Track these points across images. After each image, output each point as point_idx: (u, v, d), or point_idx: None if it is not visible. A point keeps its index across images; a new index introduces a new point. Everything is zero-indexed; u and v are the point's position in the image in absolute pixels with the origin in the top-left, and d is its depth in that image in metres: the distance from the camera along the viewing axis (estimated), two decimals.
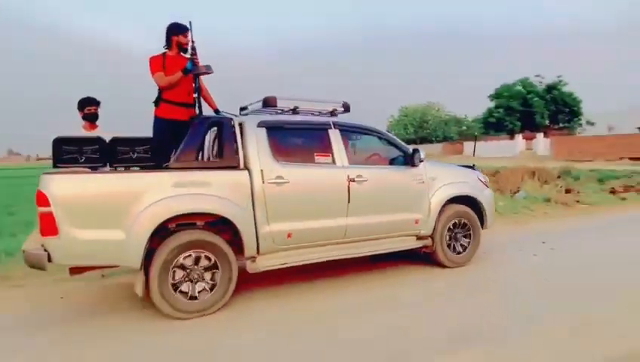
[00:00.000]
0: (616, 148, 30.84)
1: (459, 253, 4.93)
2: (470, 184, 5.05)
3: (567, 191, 10.67)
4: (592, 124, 35.15)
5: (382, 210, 4.49)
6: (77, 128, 4.54)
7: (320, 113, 4.64)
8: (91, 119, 4.59)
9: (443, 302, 3.93)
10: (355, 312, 3.76)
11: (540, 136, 37.25)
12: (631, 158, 28.71)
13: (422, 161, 4.65)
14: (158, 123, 4.26)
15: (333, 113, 4.64)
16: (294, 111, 4.44)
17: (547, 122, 34.99)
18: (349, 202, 4.27)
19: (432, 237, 4.76)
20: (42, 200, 3.29)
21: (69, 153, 3.49)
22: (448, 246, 4.85)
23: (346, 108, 4.70)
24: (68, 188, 3.37)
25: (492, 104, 38.15)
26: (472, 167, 5.37)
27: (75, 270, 3.73)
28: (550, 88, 34.93)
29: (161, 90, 4.23)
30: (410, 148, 4.75)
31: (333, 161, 4.32)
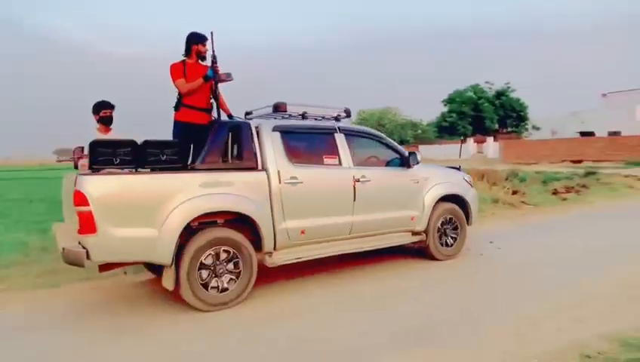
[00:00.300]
0: (559, 151, 33.07)
1: (448, 246, 5.43)
2: (458, 184, 5.57)
3: (514, 192, 10.96)
4: (537, 128, 37.57)
5: (383, 207, 4.90)
6: (92, 130, 4.67)
7: (323, 118, 5.00)
8: (106, 122, 4.72)
9: (396, 302, 4.07)
10: (330, 310, 3.92)
11: (490, 139, 39.26)
12: (572, 161, 30.86)
13: (418, 163, 5.11)
14: (179, 126, 4.48)
15: (337, 118, 5.01)
16: (303, 116, 4.78)
17: (496, 126, 37.05)
18: (354, 200, 4.64)
19: (425, 232, 5.22)
20: (81, 199, 3.43)
21: (104, 155, 3.64)
22: (439, 240, 5.34)
23: (348, 114, 5.09)
24: (105, 188, 3.53)
25: (445, 109, 39.91)
26: (459, 169, 5.89)
27: (104, 267, 3.90)
28: (499, 94, 37.01)
29: (181, 96, 4.44)
30: (407, 151, 5.20)
31: (340, 163, 4.68)
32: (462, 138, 37.85)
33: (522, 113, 36.68)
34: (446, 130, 40.14)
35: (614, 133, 36.02)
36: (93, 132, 4.68)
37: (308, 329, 3.49)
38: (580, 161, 30.23)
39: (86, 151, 4.46)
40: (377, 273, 4.98)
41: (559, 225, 7.91)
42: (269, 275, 4.61)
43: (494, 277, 4.77)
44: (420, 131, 51.01)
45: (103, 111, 4.68)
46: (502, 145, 36.81)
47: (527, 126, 37.71)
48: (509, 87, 36.69)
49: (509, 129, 38.17)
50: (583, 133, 37.64)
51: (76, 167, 4.77)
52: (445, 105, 37.99)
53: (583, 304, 3.87)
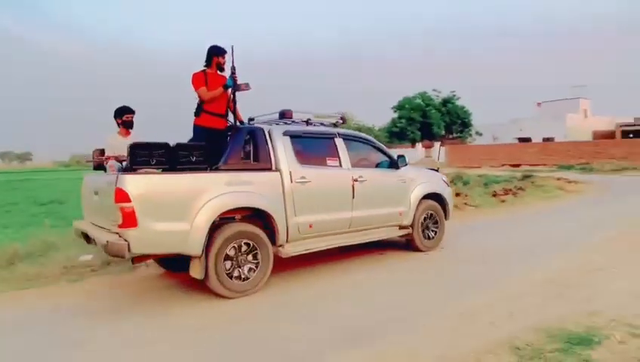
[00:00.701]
0: (500, 155, 35.48)
1: (429, 239, 6.12)
2: (437, 183, 6.29)
3: (457, 194, 11.18)
4: (480, 134, 40.07)
5: (377, 204, 5.49)
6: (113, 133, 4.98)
7: (322, 124, 5.53)
8: (128, 126, 5.01)
9: (331, 303, 4.20)
10: (330, 300, 4.29)
11: (437, 144, 41.21)
12: (511, 165, 33.20)
13: (406, 165, 5.76)
14: (199, 130, 4.85)
15: (335, 124, 5.56)
16: (307, 122, 5.29)
17: (443, 132, 39.03)
18: (353, 198, 5.20)
19: (411, 226, 5.86)
20: (123, 196, 3.75)
21: (142, 156, 3.97)
22: (422, 234, 6.01)
23: (344, 121, 5.67)
24: (145, 186, 3.88)
25: (396, 115, 41.49)
26: (437, 170, 6.61)
27: (137, 259, 4.21)
28: (445, 102, 39.12)
29: (202, 103, 4.82)
30: (395, 155, 5.84)
31: (340, 164, 5.23)
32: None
33: (466, 120, 38.99)
34: (396, 135, 41.72)
35: (548, 139, 39.11)
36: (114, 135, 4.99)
37: (310, 318, 3.83)
38: (518, 165, 32.55)
39: (108, 153, 4.77)
40: (368, 264, 5.57)
41: (497, 225, 8.37)
42: (279, 265, 5.01)
43: (437, 276, 5.07)
44: (372, 136, 52.45)
45: (126, 116, 4.99)
46: (447, 149, 38.83)
47: (470, 132, 40.08)
48: (454, 95, 38.93)
49: (455, 135, 40.37)
50: (521, 139, 40.50)
51: (96, 168, 5.02)
52: (395, 111, 39.57)
53: (515, 299, 4.13)
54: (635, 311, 3.70)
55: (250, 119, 5.46)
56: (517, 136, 41.36)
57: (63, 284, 4.88)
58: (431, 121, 37.97)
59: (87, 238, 4.50)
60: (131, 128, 5.07)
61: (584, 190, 14.65)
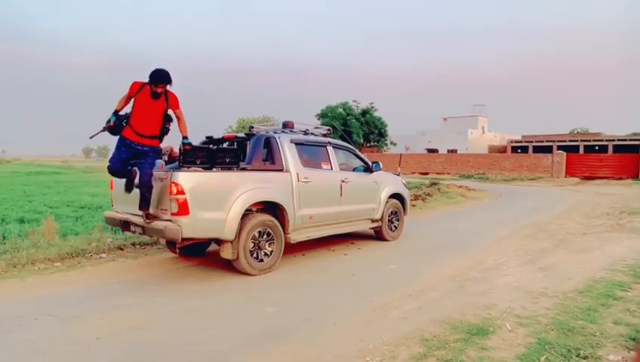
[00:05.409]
0: (411, 164, 38.71)
1: (393, 231, 7.44)
2: (399, 186, 7.63)
3: None
4: (394, 144, 43.22)
5: (357, 201, 6.66)
6: None
7: (313, 134, 6.59)
8: None
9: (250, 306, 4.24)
10: (322, 280, 5.04)
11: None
12: (420, 173, 36.49)
13: (379, 170, 7.01)
14: None
15: (325, 135, 6.65)
16: (305, 132, 6.32)
17: (362, 141, 41.39)
18: (341, 196, 6.33)
19: (380, 220, 7.13)
20: (178, 190, 4.52)
21: (191, 157, 4.73)
22: (388, 226, 7.32)
23: (330, 132, 6.78)
24: (195, 181, 4.66)
25: (319, 122, 43.16)
26: (398, 175, 7.96)
27: (180, 243, 4.93)
28: (364, 112, 41.53)
29: None
30: (370, 161, 7.07)
31: (331, 168, 6.33)
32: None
33: (383, 130, 41.76)
34: None
35: (452, 151, 43.40)
36: None
37: (306, 296, 4.56)
38: (426, 173, 35.91)
39: None
40: (349, 251, 6.73)
41: (410, 227, 8.31)
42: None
43: (354, 275, 5.40)
44: None
45: None
46: (367, 157, 41.35)
47: (386, 141, 42.98)
48: (372, 107, 41.56)
49: (372, 143, 43.03)
50: (430, 150, 44.44)
51: None
52: (318, 119, 41.15)
53: (422, 294, 4.51)
54: (521, 303, 4.17)
55: (251, 127, 6.31)
56: (426, 147, 45.30)
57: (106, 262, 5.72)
58: (351, 130, 40.16)
59: (125, 226, 5.11)
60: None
61: (481, 196, 16.33)
